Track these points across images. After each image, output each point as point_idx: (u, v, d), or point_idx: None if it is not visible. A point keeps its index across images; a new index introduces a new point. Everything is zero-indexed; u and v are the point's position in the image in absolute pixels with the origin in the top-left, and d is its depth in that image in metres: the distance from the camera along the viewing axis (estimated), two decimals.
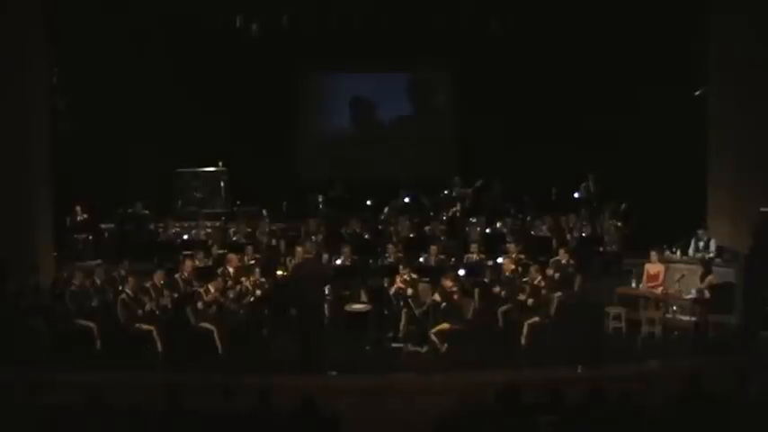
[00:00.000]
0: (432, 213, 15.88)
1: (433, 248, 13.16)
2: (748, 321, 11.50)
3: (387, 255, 13.37)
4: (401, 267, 12.27)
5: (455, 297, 11.13)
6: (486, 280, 12.85)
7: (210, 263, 13.18)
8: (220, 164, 17.30)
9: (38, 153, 13.64)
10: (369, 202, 16.48)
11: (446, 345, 10.87)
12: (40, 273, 12.49)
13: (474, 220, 15.43)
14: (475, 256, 13.48)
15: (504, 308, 11.80)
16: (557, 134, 16.77)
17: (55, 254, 14.17)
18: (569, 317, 11.63)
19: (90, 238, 15.56)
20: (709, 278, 12.03)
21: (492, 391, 7.29)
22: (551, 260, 13.00)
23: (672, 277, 12.42)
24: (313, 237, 14.50)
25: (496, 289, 12.08)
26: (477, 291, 12.58)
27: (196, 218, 16.35)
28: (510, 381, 7.66)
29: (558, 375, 9.66)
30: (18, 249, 12.62)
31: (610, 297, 12.50)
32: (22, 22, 13.28)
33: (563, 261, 12.88)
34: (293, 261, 12.38)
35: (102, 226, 15.88)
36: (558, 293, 11.86)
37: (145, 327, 11.01)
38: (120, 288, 11.60)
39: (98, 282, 11.94)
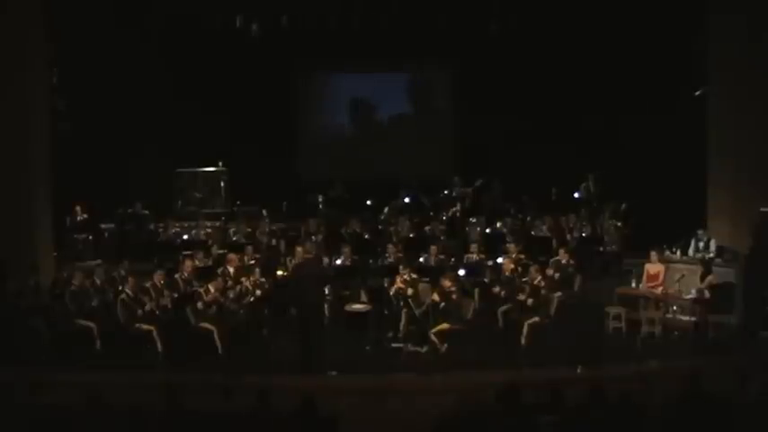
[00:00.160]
0: (432, 213, 15.88)
1: (433, 248, 13.16)
2: (748, 321, 11.49)
3: (387, 255, 13.37)
4: (401, 267, 12.27)
5: (454, 297, 11.13)
6: (486, 280, 12.85)
7: (210, 263, 13.18)
8: (220, 164, 17.30)
9: (38, 153, 13.64)
10: (369, 202, 16.49)
11: (446, 345, 10.87)
12: (40, 273, 12.50)
13: (474, 220, 15.44)
14: (475, 256, 13.48)
15: (504, 308, 11.79)
16: (557, 134, 16.79)
17: (55, 254, 14.18)
18: (569, 317, 11.62)
19: (90, 238, 15.56)
20: (709, 278, 12.03)
21: (492, 391, 7.29)
22: (551, 260, 13.00)
23: (672, 277, 12.41)
24: (313, 237, 14.50)
25: (496, 289, 12.08)
26: (477, 291, 12.57)
27: (196, 218, 16.34)
28: (510, 381, 7.66)
29: (558, 375, 9.65)
30: (18, 249, 12.62)
31: (610, 297, 12.50)
32: (22, 22, 13.28)
33: (563, 261, 12.88)
34: (293, 261, 12.38)
35: (102, 226, 15.89)
36: (558, 293, 11.85)
37: (145, 327, 11.01)
38: (120, 288, 11.60)
39: (98, 282, 11.94)
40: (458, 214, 15.67)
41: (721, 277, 12.05)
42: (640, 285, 12.57)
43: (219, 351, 10.90)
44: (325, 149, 18.82)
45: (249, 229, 15.17)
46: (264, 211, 15.72)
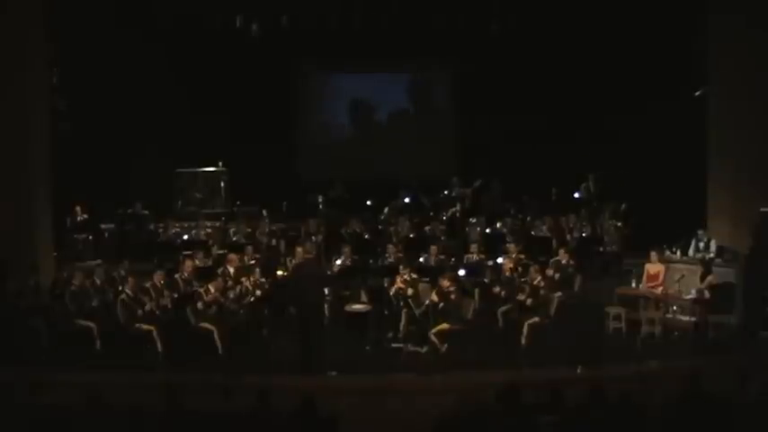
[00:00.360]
0: (432, 213, 15.88)
1: (433, 248, 13.16)
2: (748, 321, 11.49)
3: (387, 255, 13.37)
4: (401, 267, 12.27)
5: (453, 297, 11.13)
6: (486, 280, 12.84)
7: (210, 263, 13.18)
8: (220, 164, 17.30)
9: (38, 153, 13.64)
10: (369, 203, 16.48)
11: (446, 345, 10.87)
12: (40, 273, 12.50)
13: (474, 221, 15.44)
14: (475, 257, 13.48)
15: (504, 308, 11.79)
16: (557, 134, 16.78)
17: (55, 254, 14.17)
18: (569, 317, 11.62)
19: (90, 238, 15.55)
20: (709, 278, 12.02)
21: (492, 391, 7.29)
22: (551, 260, 13.00)
23: (672, 277, 12.41)
24: (313, 237, 14.50)
25: (496, 289, 12.07)
26: (477, 291, 12.57)
27: (196, 218, 16.34)
28: (510, 381, 7.66)
29: (558, 375, 9.65)
30: (18, 249, 12.62)
31: (610, 297, 12.49)
32: (22, 22, 13.28)
33: (563, 261, 12.87)
34: (293, 261, 12.38)
35: (102, 226, 15.88)
36: (558, 293, 11.84)
37: (145, 327, 11.00)
38: (120, 288, 11.59)
39: (98, 282, 11.93)
40: (458, 214, 15.67)
41: (721, 277, 12.04)
42: (640, 285, 12.56)
43: (219, 351, 10.90)
44: (325, 149, 18.82)
45: (249, 230, 15.16)
46: (264, 212, 15.71)
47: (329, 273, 12.55)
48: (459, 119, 18.69)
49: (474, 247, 13.66)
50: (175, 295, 11.55)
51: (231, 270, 12.17)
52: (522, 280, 11.84)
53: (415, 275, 12.06)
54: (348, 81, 19.15)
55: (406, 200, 16.28)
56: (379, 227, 15.43)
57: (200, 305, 11.19)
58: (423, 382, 9.97)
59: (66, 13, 14.53)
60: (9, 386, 7.91)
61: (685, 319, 11.95)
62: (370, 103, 19.20)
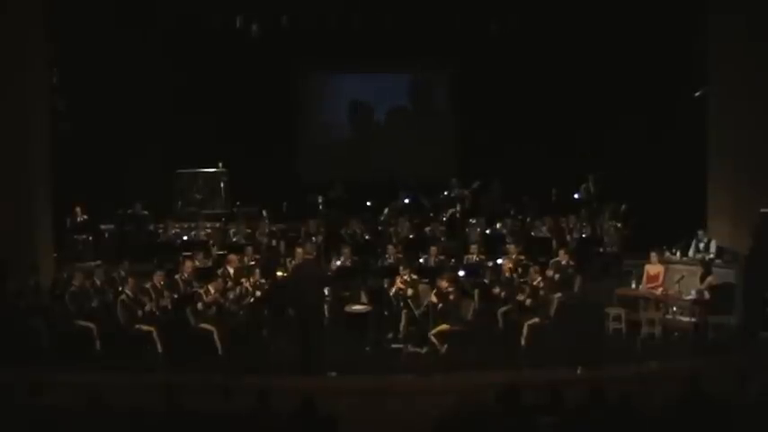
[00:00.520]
0: (431, 214, 15.88)
1: (433, 249, 13.16)
2: (748, 322, 11.49)
3: (387, 256, 13.37)
4: (401, 268, 12.27)
5: (452, 297, 11.12)
6: (485, 281, 12.84)
7: (210, 264, 13.18)
8: (220, 164, 17.28)
9: (38, 153, 13.63)
10: (368, 203, 16.48)
11: (446, 345, 10.87)
12: (40, 273, 12.49)
13: (474, 221, 15.44)
14: (475, 257, 13.48)
15: (503, 309, 11.80)
16: (557, 134, 16.79)
17: (55, 254, 14.17)
18: (569, 318, 11.62)
19: (90, 238, 15.54)
20: (709, 279, 12.02)
21: (492, 391, 7.29)
22: (551, 261, 13.01)
23: (672, 278, 12.40)
24: (313, 237, 14.50)
25: (496, 290, 12.08)
26: (476, 292, 12.57)
27: (196, 219, 16.32)
28: (510, 381, 7.67)
29: (557, 376, 9.65)
30: (18, 249, 12.61)
31: (610, 298, 12.49)
32: (22, 22, 13.28)
33: (563, 262, 12.88)
34: (293, 262, 12.38)
35: (102, 227, 15.87)
36: (558, 294, 11.85)
37: (145, 327, 11.00)
38: (120, 289, 11.60)
39: (98, 282, 11.92)
40: (458, 215, 15.67)
41: (721, 278, 12.05)
42: (640, 286, 12.56)
43: (219, 352, 10.90)
44: (325, 150, 18.81)
45: (249, 230, 15.15)
46: (264, 212, 15.70)
47: (329, 273, 12.54)
48: (459, 119, 18.69)
49: (474, 248, 13.65)
50: (175, 296, 11.56)
51: (231, 271, 12.17)
52: (522, 281, 11.84)
53: (414, 276, 12.06)
54: (348, 81, 19.15)
55: (406, 200, 16.28)
56: (379, 227, 15.44)
57: (199, 306, 11.19)
58: (423, 383, 9.98)
59: (66, 13, 14.53)
60: (9, 387, 7.91)
61: (685, 319, 11.94)
62: (369, 104, 19.19)
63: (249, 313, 11.78)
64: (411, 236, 14.65)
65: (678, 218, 13.85)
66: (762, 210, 12.16)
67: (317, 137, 19.01)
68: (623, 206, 15.13)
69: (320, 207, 16.18)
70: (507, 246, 13.58)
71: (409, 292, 11.66)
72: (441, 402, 8.13)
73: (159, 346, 10.93)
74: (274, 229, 15.40)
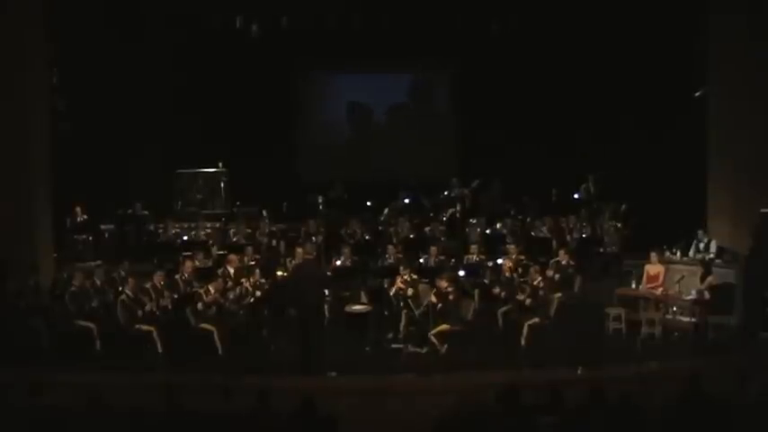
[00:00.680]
0: (431, 214, 15.88)
1: (433, 249, 13.16)
2: (748, 322, 11.49)
3: (387, 256, 13.36)
4: (401, 268, 12.27)
5: (451, 297, 11.12)
6: (486, 281, 12.84)
7: (210, 264, 13.17)
8: (220, 164, 17.28)
9: (38, 153, 13.63)
10: (368, 203, 16.48)
11: (446, 345, 10.87)
12: (40, 273, 12.50)
13: (474, 221, 15.44)
14: (475, 257, 13.48)
15: (504, 309, 11.80)
16: (557, 134, 16.78)
17: (55, 254, 14.16)
18: (569, 318, 11.62)
19: (90, 238, 15.54)
20: (709, 279, 12.03)
21: (492, 391, 7.30)
22: (551, 261, 13.00)
23: (672, 278, 12.41)
24: (313, 238, 14.50)
25: (496, 290, 12.07)
26: (477, 292, 12.57)
27: (196, 219, 16.31)
28: (510, 381, 7.67)
29: (557, 376, 9.65)
30: (18, 249, 12.61)
31: (610, 298, 12.49)
32: (22, 22, 13.28)
33: (563, 262, 12.87)
34: (293, 262, 12.38)
35: (102, 227, 15.86)
36: (558, 294, 11.85)
37: (145, 327, 11.00)
38: (120, 289, 11.60)
39: (98, 282, 11.92)
40: (458, 215, 15.67)
41: (721, 278, 12.05)
42: (640, 286, 12.57)
43: (219, 352, 10.90)
44: (325, 150, 18.80)
45: (249, 230, 15.14)
46: (264, 212, 15.69)
47: (329, 273, 12.54)
48: (460, 119, 18.69)
49: (474, 248, 13.65)
50: (175, 296, 11.55)
51: (231, 271, 12.17)
52: (522, 280, 11.84)
53: (414, 276, 12.06)
54: (348, 81, 19.14)
55: (406, 200, 16.28)
56: (379, 227, 15.44)
57: (200, 306, 11.19)
58: (423, 383, 9.98)
59: (66, 13, 14.53)
60: (9, 387, 7.91)
61: (685, 319, 11.95)
62: (369, 104, 19.18)
63: (249, 313, 11.78)
64: (411, 236, 14.64)
65: (678, 218, 13.85)
66: (762, 210, 12.16)
67: (317, 137, 18.99)
68: (623, 206, 15.13)
69: (320, 207, 16.18)
70: (507, 246, 13.58)
71: (409, 292, 11.66)
72: (441, 402, 8.13)
73: (159, 346, 10.93)
74: (274, 229, 15.40)
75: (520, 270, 12.21)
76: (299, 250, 12.08)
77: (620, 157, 15.75)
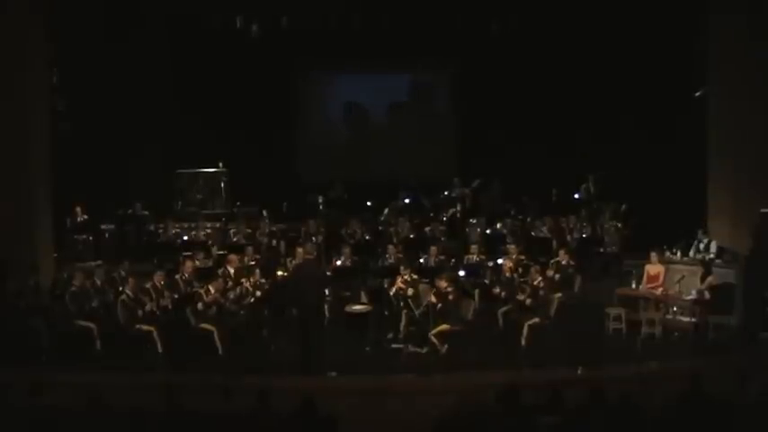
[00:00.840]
0: (432, 214, 15.89)
1: (433, 249, 13.16)
2: (748, 322, 11.48)
3: (387, 255, 13.36)
4: (401, 268, 12.27)
5: (451, 297, 11.12)
6: (486, 281, 12.84)
7: (211, 263, 13.18)
8: (220, 164, 17.28)
9: (38, 153, 13.64)
10: (369, 203, 16.48)
11: (446, 345, 10.87)
12: (40, 273, 12.49)
13: (474, 221, 15.44)
14: (475, 257, 13.48)
15: (504, 309, 11.78)
16: (557, 134, 16.78)
17: (55, 254, 14.17)
18: (569, 318, 11.63)
19: (90, 238, 15.53)
20: (709, 279, 12.03)
21: (492, 391, 7.30)
22: (551, 261, 13.00)
23: (672, 278, 12.40)
24: (313, 237, 14.50)
25: (496, 290, 12.06)
26: (477, 292, 12.57)
27: (196, 218, 16.31)
28: (510, 381, 7.67)
29: (557, 376, 9.65)
30: (18, 249, 12.61)
31: (610, 298, 12.49)
32: (22, 22, 13.28)
33: (563, 262, 12.87)
34: (293, 262, 12.38)
35: (103, 227, 15.86)
36: (559, 294, 11.85)
37: (145, 327, 11.00)
38: (121, 289, 11.59)
39: (98, 282, 11.91)
40: (458, 215, 15.67)
41: (721, 278, 12.04)
42: (640, 286, 12.56)
43: (219, 352, 10.90)
44: (325, 150, 18.79)
45: (249, 230, 15.14)
46: (264, 212, 15.69)
47: (329, 273, 12.54)
48: (460, 119, 18.69)
49: (474, 248, 13.65)
50: (175, 296, 11.55)
51: (231, 271, 12.17)
52: (522, 280, 11.84)
53: (415, 276, 12.06)
54: (348, 81, 19.14)
55: (406, 200, 16.28)
56: (379, 227, 15.44)
57: (200, 306, 11.18)
58: (423, 383, 9.97)
59: (66, 13, 14.53)
60: (9, 387, 7.91)
61: (685, 319, 11.94)
62: (369, 104, 19.18)
63: (249, 313, 11.77)
64: (411, 236, 14.64)
65: (678, 218, 13.85)
66: (762, 210, 12.16)
67: (317, 137, 18.99)
68: (623, 206, 15.14)
69: (320, 207, 16.18)
70: (507, 246, 13.58)
71: (409, 292, 11.66)
72: (441, 402, 8.12)
73: (159, 346, 10.93)
74: (274, 229, 15.40)
75: (520, 270, 12.20)
76: (300, 250, 12.08)
77: (620, 157, 15.75)
